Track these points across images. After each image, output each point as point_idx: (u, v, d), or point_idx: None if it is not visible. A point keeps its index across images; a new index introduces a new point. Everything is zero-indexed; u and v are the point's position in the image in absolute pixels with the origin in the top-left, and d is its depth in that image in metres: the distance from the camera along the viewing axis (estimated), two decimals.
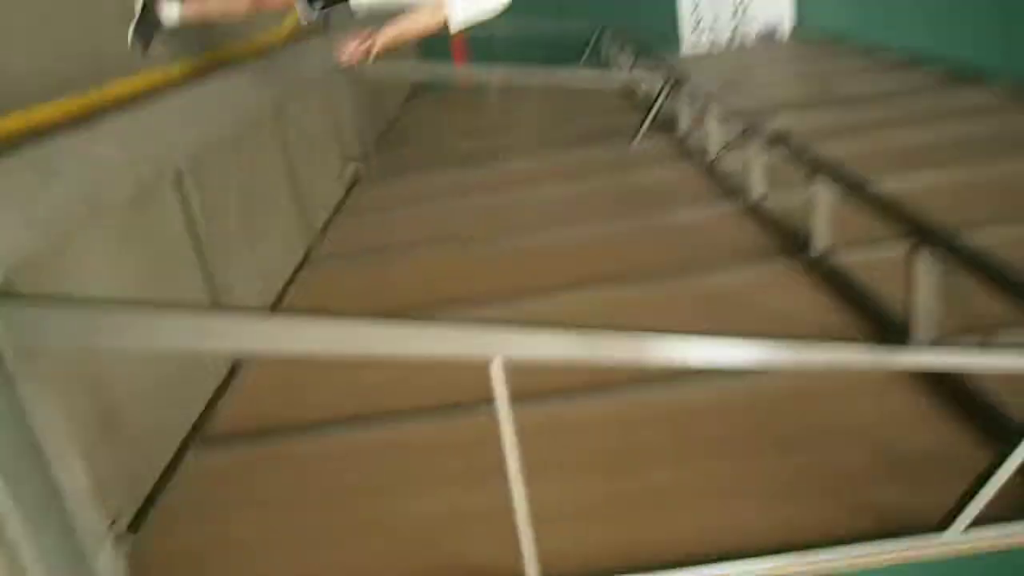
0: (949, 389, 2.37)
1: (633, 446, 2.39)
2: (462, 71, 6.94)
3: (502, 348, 1.67)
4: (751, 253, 3.62)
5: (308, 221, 4.50)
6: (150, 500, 2.42)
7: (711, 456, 2.29)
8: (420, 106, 8.54)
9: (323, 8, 3.19)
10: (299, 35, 4.79)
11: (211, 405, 2.91)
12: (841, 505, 2.03)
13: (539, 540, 1.87)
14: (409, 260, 4.05)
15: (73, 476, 1.77)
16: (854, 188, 3.02)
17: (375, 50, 3.06)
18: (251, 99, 3.35)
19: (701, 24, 10.03)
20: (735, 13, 9.99)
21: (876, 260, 2.94)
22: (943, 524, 1.86)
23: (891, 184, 3.41)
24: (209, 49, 3.45)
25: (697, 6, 9.95)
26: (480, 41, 9.15)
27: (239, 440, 2.70)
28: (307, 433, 2.66)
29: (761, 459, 2.25)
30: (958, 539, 1.85)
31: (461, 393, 2.29)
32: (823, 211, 3.35)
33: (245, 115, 3.33)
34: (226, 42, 3.69)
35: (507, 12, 3.18)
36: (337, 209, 5.16)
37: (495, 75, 6.07)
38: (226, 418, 2.85)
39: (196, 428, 2.79)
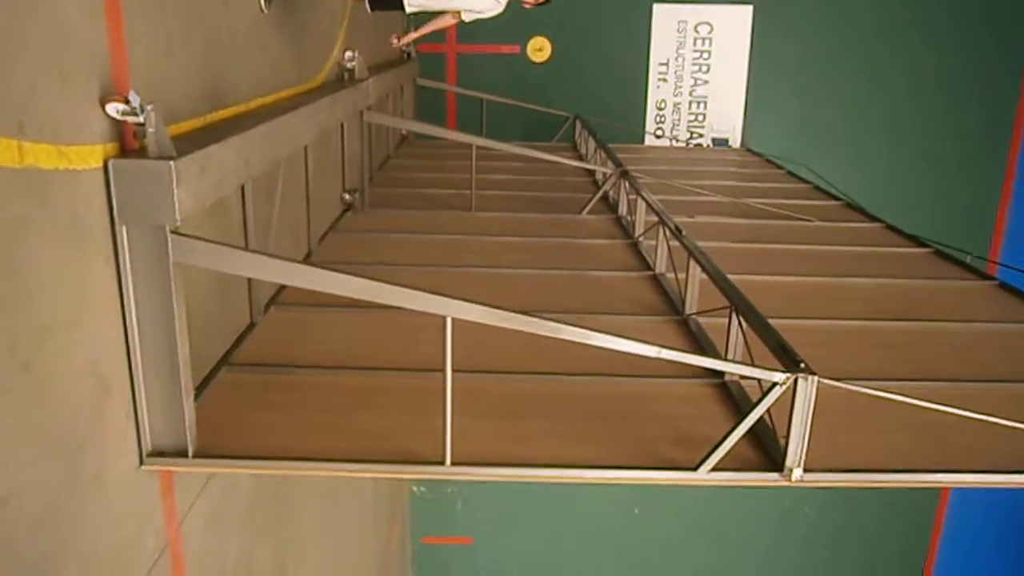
0: (736, 403, 3.66)
1: (525, 407, 3.61)
2: (450, 132, 8.21)
3: (452, 311, 2.90)
4: (642, 307, 4.90)
5: (311, 231, 5.68)
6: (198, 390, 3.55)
7: (568, 419, 3.53)
8: (410, 153, 9.84)
9: (377, 9, 4.78)
10: (330, 85, 6.08)
11: (236, 344, 4.08)
12: (639, 453, 3.27)
13: (454, 445, 3.08)
14: (385, 273, 5.24)
15: (184, 345, 2.94)
16: (713, 275, 4.28)
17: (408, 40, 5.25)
18: (306, 131, 4.59)
19: (663, 124, 11.53)
20: (694, 119, 11.52)
21: (717, 323, 4.20)
22: (695, 467, 3.10)
23: (745, 277, 4.74)
24: (282, 88, 4.76)
25: (662, 108, 11.46)
26: (471, 108, 10.57)
27: (257, 368, 3.87)
28: (306, 369, 3.84)
29: (596, 424, 3.50)
30: (703, 476, 3.09)
31: (419, 363, 3.59)
32: (693, 287, 4.64)
33: (298, 143, 4.56)
34: (289, 84, 4.99)
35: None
36: (332, 228, 6.35)
37: (478, 140, 7.36)
38: (247, 353, 4.02)
39: (225, 356, 3.95)
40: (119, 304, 2.82)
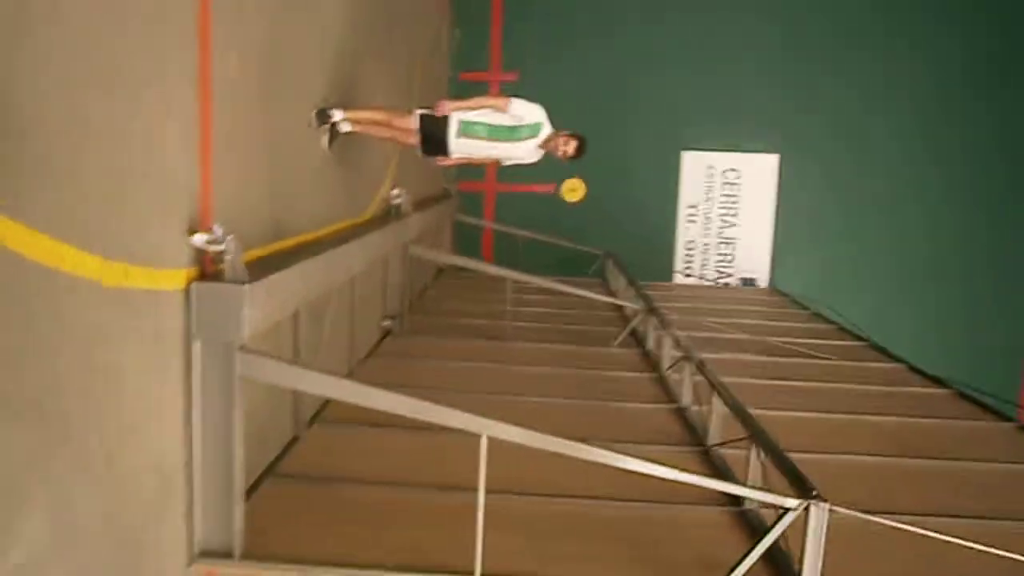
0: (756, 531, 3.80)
1: (554, 528, 3.79)
2: (486, 265, 8.61)
3: (488, 430, 3.15)
4: (667, 438, 5.09)
5: (353, 354, 6.00)
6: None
7: (595, 542, 3.70)
8: (447, 284, 10.28)
9: (427, 154, 5.20)
10: (378, 220, 6.55)
11: (281, 455, 4.33)
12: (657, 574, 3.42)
13: (485, 560, 3.26)
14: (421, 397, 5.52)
15: (240, 453, 3.20)
16: (734, 408, 4.49)
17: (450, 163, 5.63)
18: (356, 261, 5.00)
19: (692, 263, 11.93)
20: (722, 259, 11.91)
21: (739, 455, 4.37)
22: None
23: (767, 412, 4.95)
24: (336, 221, 5.20)
25: (691, 248, 11.89)
26: (507, 242, 11.07)
27: (299, 479, 4.11)
28: (345, 483, 4.06)
29: (621, 547, 3.65)
30: None
31: (452, 482, 3.80)
32: (716, 420, 4.84)
33: (349, 272, 4.96)
34: (342, 217, 5.43)
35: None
36: (371, 352, 6.67)
37: (512, 274, 7.77)
38: (290, 465, 4.26)
39: (270, 467, 4.19)
40: (184, 411, 3.11)
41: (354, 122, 5.23)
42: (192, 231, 3.06)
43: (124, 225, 2.64)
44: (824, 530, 3.15)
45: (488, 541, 3.27)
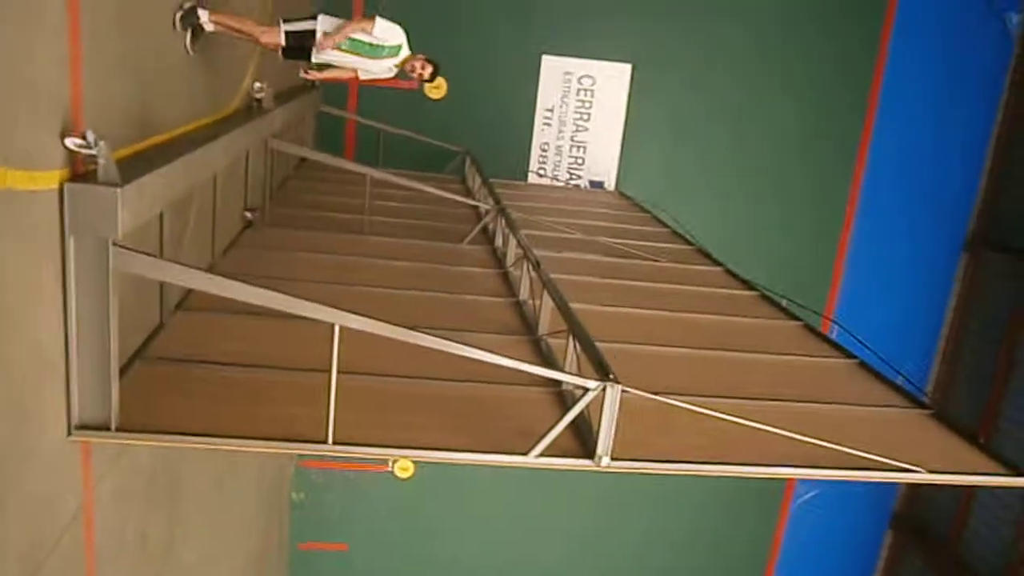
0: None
1: (398, 404, 4.37)
2: (348, 162, 8.89)
3: (340, 320, 3.64)
4: (504, 328, 5.74)
5: (215, 246, 6.29)
6: None
7: (433, 415, 4.32)
8: (309, 173, 10.46)
9: (288, 58, 5.54)
10: (241, 114, 6.72)
11: (148, 340, 4.69)
12: (488, 442, 4.08)
13: (336, 431, 3.81)
14: (281, 287, 5.91)
15: (115, 337, 3.56)
16: (558, 304, 5.14)
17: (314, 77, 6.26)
18: (219, 159, 5.27)
19: (546, 163, 12.54)
20: (574, 161, 12.58)
21: (560, 343, 5.05)
22: (526, 453, 3.93)
23: (593, 307, 5.66)
24: (200, 117, 5.41)
25: (545, 150, 12.47)
26: (369, 135, 11.28)
27: (166, 361, 4.50)
28: (209, 365, 4.49)
29: (455, 419, 4.30)
30: (531, 460, 3.92)
31: (309, 364, 4.30)
32: (546, 313, 5.51)
33: (213, 169, 5.23)
34: (206, 114, 5.63)
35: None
36: (233, 243, 6.94)
37: (373, 172, 8.11)
38: (158, 349, 4.63)
39: (138, 351, 4.55)
40: (62, 299, 3.44)
41: (218, 24, 5.38)
42: (65, 134, 3.31)
43: (2, 133, 2.90)
44: (616, 407, 3.86)
45: (340, 416, 3.83)
